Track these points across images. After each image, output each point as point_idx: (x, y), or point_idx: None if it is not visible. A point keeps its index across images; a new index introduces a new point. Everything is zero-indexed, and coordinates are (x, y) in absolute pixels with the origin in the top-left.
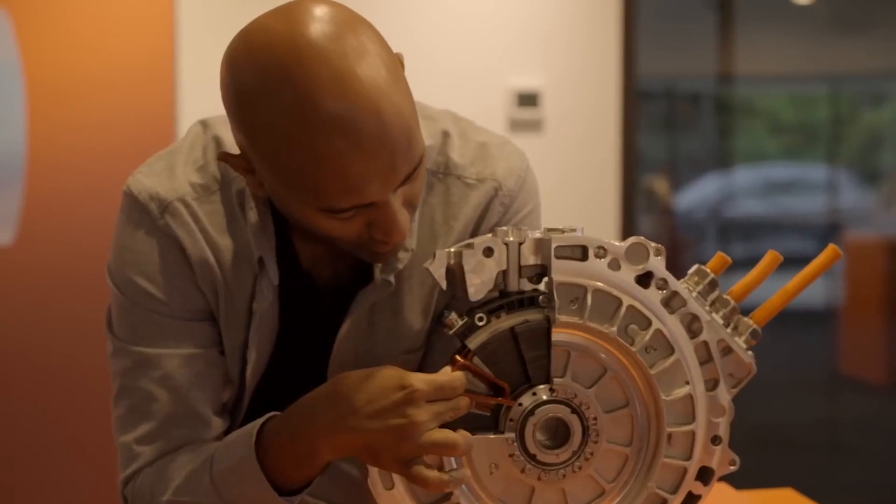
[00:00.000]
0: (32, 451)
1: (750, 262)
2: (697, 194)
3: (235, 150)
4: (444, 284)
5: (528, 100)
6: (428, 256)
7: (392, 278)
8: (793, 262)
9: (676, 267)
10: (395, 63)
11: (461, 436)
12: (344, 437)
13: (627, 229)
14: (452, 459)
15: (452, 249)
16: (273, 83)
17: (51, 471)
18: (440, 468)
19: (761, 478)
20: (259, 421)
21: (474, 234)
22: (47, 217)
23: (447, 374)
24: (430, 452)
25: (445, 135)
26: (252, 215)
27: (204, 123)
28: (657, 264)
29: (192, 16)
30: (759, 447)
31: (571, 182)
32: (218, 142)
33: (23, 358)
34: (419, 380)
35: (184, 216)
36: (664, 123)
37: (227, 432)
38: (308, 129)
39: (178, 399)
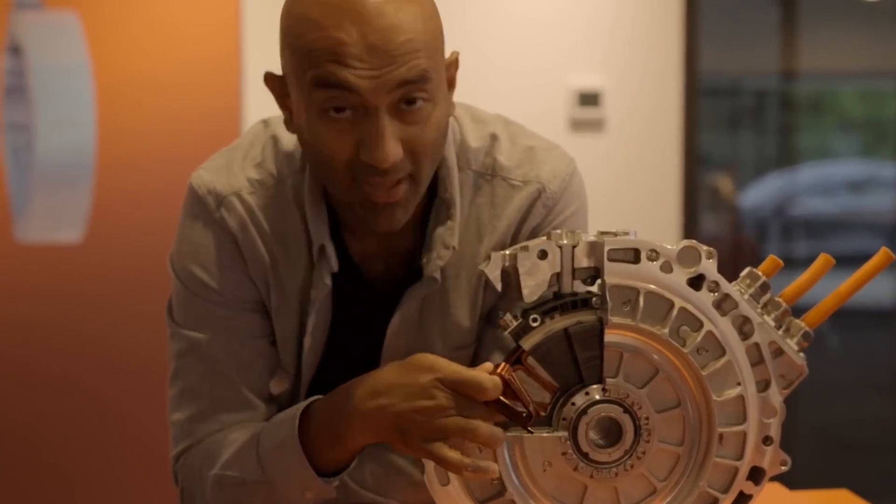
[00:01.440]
0: (100, 446)
1: (812, 260)
2: (762, 192)
3: (292, 153)
4: (499, 286)
5: (589, 99)
6: (475, 255)
7: (438, 275)
8: (859, 262)
9: (740, 265)
10: (433, 7)
11: (490, 427)
12: (375, 417)
13: (689, 228)
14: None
15: (507, 252)
16: None
17: (117, 465)
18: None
19: (824, 478)
20: (305, 402)
21: (516, 234)
22: (115, 216)
23: (476, 373)
24: (455, 436)
25: (494, 138)
26: (310, 206)
27: (265, 122)
28: (709, 267)
29: (257, 19)
30: (822, 448)
31: (633, 181)
32: (276, 140)
33: (91, 354)
34: (449, 367)
35: (238, 209)
36: (729, 121)
37: None
38: (319, 8)
39: (226, 384)
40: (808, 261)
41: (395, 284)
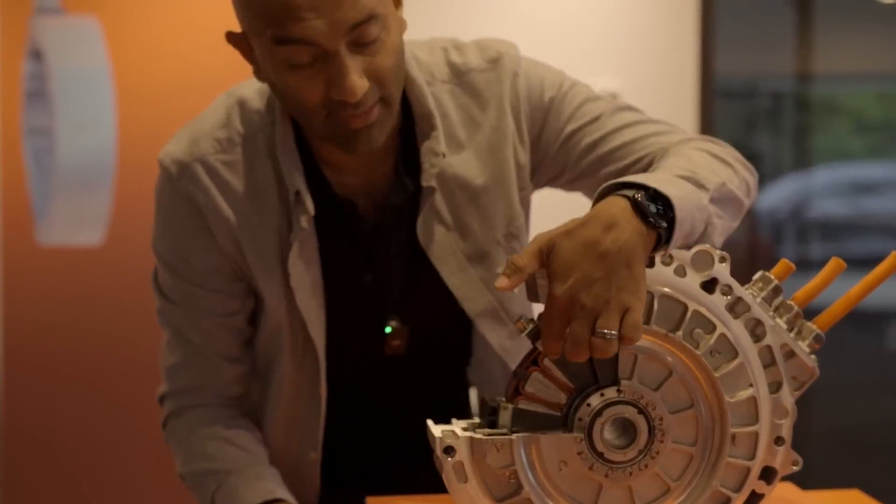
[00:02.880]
0: (119, 447)
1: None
2: (778, 194)
3: (259, 110)
4: (516, 290)
5: None
6: (481, 142)
7: (433, 183)
8: (876, 262)
9: (756, 268)
10: None
11: None
12: None
13: None
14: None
15: None
16: None
17: (133, 464)
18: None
19: (837, 479)
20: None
21: (518, 108)
22: (136, 218)
23: None
24: None
25: (444, 49)
26: (283, 155)
27: (228, 92)
28: (722, 271)
29: None
30: (836, 448)
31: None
32: (242, 102)
33: (112, 355)
34: None
35: (199, 175)
36: (745, 123)
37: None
38: None
39: (194, 348)
40: (824, 263)
41: (388, 212)
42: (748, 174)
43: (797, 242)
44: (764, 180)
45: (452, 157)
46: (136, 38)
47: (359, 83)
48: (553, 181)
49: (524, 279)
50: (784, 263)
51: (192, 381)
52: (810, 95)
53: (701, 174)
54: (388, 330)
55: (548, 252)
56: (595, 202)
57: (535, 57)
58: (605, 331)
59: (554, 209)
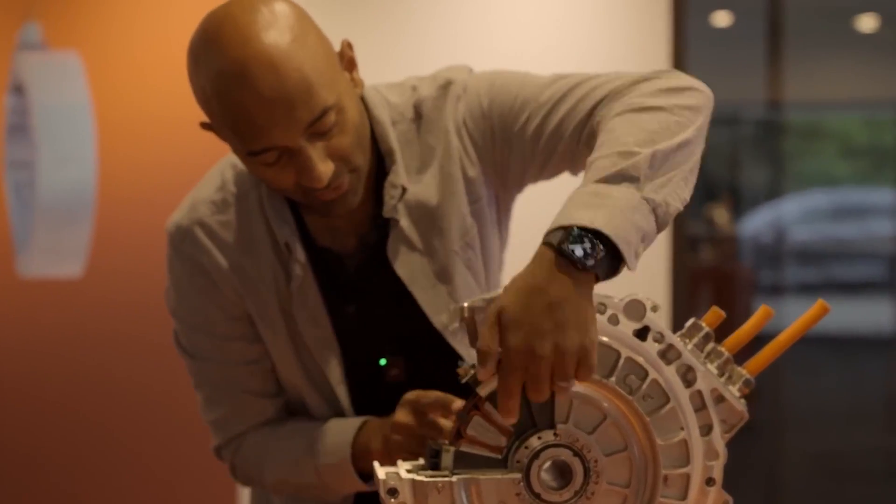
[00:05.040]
0: (104, 478)
1: (813, 288)
2: (761, 220)
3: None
4: (460, 336)
5: None
6: (434, 167)
7: (396, 215)
8: (859, 289)
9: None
10: (312, 38)
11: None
12: (377, 443)
13: (679, 259)
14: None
15: (466, 304)
16: (202, 49)
17: (118, 493)
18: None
19: None
20: (356, 426)
21: (464, 127)
22: (115, 251)
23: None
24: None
25: (413, 88)
26: (271, 210)
27: (223, 158)
28: (654, 319)
29: None
30: (816, 475)
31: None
32: (234, 164)
33: (91, 385)
34: (410, 394)
35: (199, 237)
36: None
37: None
38: (222, 83)
39: (233, 396)
40: (807, 287)
41: (367, 249)
42: (686, 98)
43: (778, 268)
44: (745, 207)
45: (414, 185)
46: (118, 73)
47: (324, 170)
48: (531, 177)
49: (497, 358)
50: (714, 311)
51: (243, 425)
52: (791, 122)
53: (628, 163)
54: (382, 362)
55: (499, 318)
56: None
57: None
58: (563, 383)
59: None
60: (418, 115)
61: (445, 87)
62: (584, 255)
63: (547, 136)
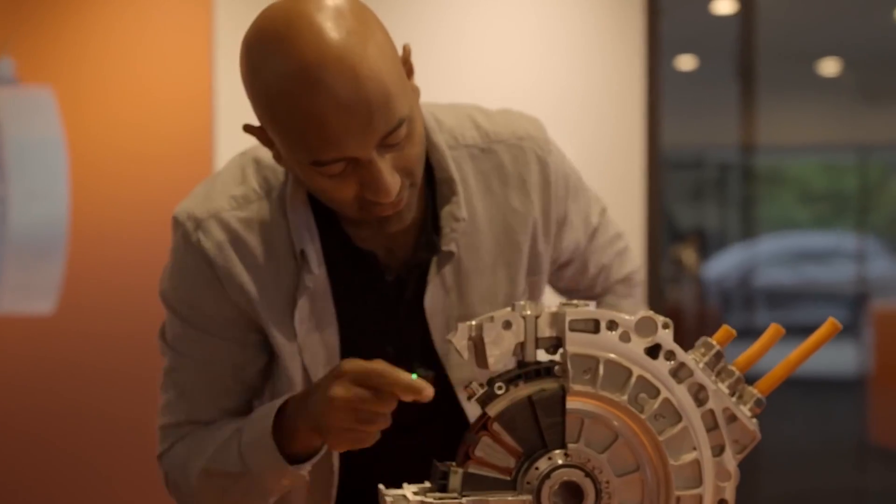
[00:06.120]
0: None
1: None
2: (727, 263)
3: (275, 167)
4: (465, 355)
5: None
6: (495, 215)
7: (454, 247)
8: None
9: (704, 335)
10: (384, 40)
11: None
12: (304, 420)
13: (654, 298)
14: None
15: (473, 322)
16: (268, 48)
17: None
18: None
19: None
20: (282, 399)
21: (547, 198)
22: (87, 287)
23: (379, 364)
24: (339, 411)
25: (470, 115)
26: (292, 214)
27: (243, 152)
28: (665, 337)
29: (230, 93)
30: None
31: None
32: (257, 161)
33: (62, 422)
34: (350, 363)
35: (214, 232)
36: (692, 193)
37: None
38: (292, 86)
39: (199, 405)
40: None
41: (409, 267)
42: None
43: (745, 310)
44: (711, 250)
45: (467, 222)
46: (91, 107)
47: (393, 184)
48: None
49: None
50: (725, 329)
51: (190, 430)
52: (757, 166)
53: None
54: (414, 376)
55: None
56: None
57: None
58: None
59: None
60: (484, 147)
61: (524, 139)
62: None
63: (581, 262)
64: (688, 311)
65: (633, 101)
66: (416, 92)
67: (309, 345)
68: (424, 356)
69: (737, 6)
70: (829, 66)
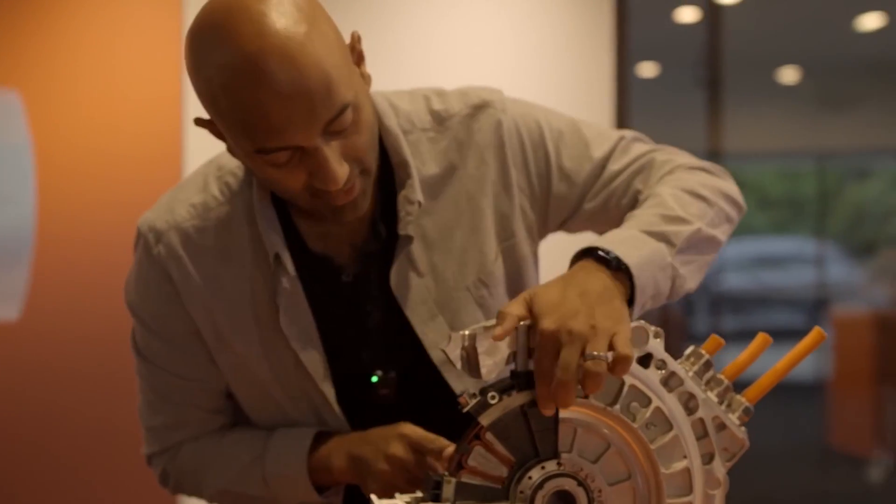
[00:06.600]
0: None
1: (740, 336)
2: None
3: (237, 172)
4: (458, 365)
5: None
6: (458, 189)
7: (411, 231)
8: (781, 336)
9: (668, 341)
10: (326, 27)
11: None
12: (345, 461)
13: None
14: None
15: (467, 332)
16: (208, 40)
17: None
18: None
19: None
20: (310, 437)
21: (503, 156)
22: (53, 293)
23: (437, 438)
24: (394, 469)
25: (426, 98)
26: (261, 219)
27: (210, 160)
28: (657, 346)
29: None
30: None
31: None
32: (220, 167)
33: (27, 428)
34: (410, 428)
35: (173, 244)
36: None
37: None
38: (233, 77)
39: (177, 405)
40: (733, 335)
41: (365, 260)
42: (727, 205)
43: (708, 315)
44: None
45: (429, 202)
46: (59, 111)
47: (340, 171)
48: (562, 224)
49: (515, 323)
50: (714, 339)
51: (182, 436)
52: None
53: (670, 228)
54: (374, 379)
55: (531, 300)
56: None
57: None
58: (595, 353)
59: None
60: (439, 128)
61: (480, 107)
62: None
63: (601, 192)
64: (651, 317)
65: (601, 107)
66: (366, 79)
67: (301, 348)
68: (408, 347)
69: (701, 14)
70: (789, 74)
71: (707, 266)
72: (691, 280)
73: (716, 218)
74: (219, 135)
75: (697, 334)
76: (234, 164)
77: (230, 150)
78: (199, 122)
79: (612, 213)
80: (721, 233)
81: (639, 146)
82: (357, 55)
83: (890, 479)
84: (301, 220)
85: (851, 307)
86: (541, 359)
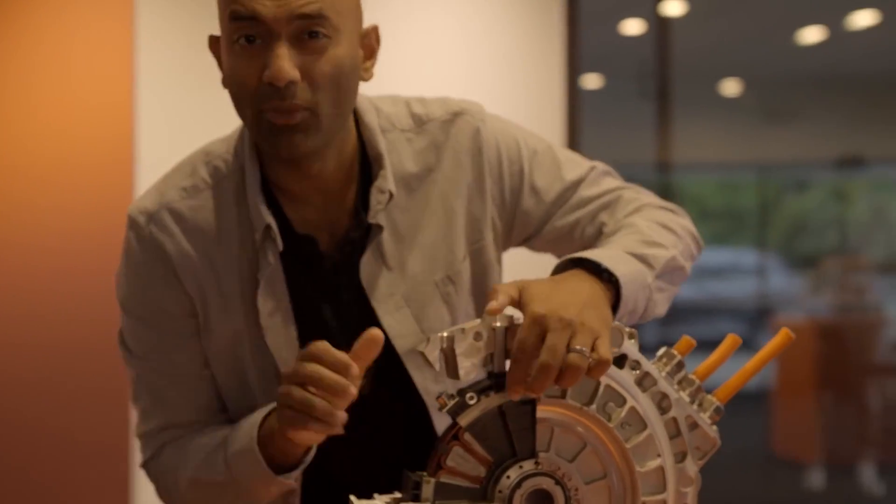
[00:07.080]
0: None
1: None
2: None
3: (225, 157)
4: (437, 366)
5: None
6: (433, 190)
7: (380, 220)
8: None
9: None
10: None
11: (326, 405)
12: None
13: None
14: None
15: (445, 334)
16: None
17: None
18: None
19: None
20: (267, 408)
21: (479, 163)
22: (2, 299)
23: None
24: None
25: (407, 103)
26: (252, 196)
27: (196, 150)
28: (631, 347)
29: (151, 100)
30: None
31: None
32: (207, 153)
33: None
34: (320, 345)
35: (166, 221)
36: None
37: None
38: None
39: (173, 406)
40: (672, 344)
41: (345, 248)
42: (692, 242)
43: (659, 325)
44: None
45: (404, 199)
46: (9, 119)
47: (288, 69)
48: (526, 240)
49: (508, 300)
50: (686, 340)
51: (171, 436)
52: (665, 183)
53: (650, 251)
54: None
55: (522, 287)
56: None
57: None
58: (580, 347)
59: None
60: (418, 129)
61: (460, 113)
62: (609, 280)
63: (570, 223)
64: None
65: (552, 117)
66: (364, 64)
67: (269, 325)
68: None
69: (646, 27)
70: (731, 87)
71: (671, 298)
72: (661, 306)
73: (685, 251)
74: (219, 58)
75: (647, 345)
76: (222, 149)
77: (223, 80)
78: (211, 39)
79: (576, 240)
80: (688, 266)
81: (609, 180)
82: (368, 45)
83: (830, 485)
84: (287, 204)
85: (792, 316)
86: (524, 339)
